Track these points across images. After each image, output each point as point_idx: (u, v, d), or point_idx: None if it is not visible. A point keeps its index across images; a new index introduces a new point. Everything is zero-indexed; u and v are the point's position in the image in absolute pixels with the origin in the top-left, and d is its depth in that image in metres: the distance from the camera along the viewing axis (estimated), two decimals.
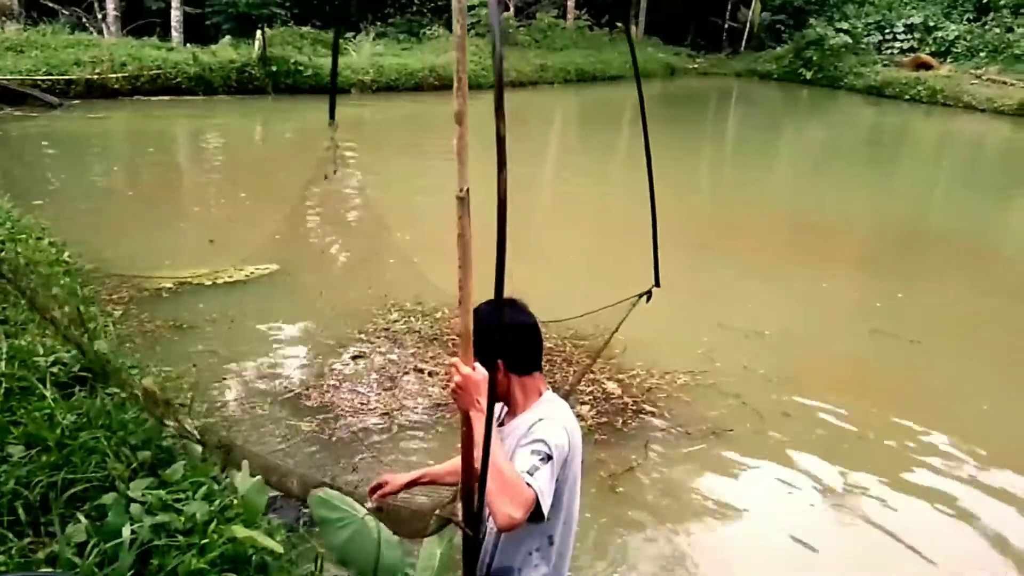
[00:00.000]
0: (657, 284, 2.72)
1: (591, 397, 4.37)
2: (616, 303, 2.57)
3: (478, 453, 1.76)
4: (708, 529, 3.63)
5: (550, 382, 4.48)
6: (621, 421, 4.24)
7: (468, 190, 1.66)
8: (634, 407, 4.38)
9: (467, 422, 1.81)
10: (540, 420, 1.90)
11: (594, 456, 3.94)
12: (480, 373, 1.77)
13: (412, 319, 5.32)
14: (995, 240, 9.54)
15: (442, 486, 2.41)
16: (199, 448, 2.89)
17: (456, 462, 2.54)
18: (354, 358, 4.87)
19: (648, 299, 2.66)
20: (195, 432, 3.02)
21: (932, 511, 3.84)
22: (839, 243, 8.91)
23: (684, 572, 3.32)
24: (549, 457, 1.81)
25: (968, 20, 26.25)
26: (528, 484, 1.75)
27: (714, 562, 3.41)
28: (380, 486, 2.27)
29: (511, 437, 1.95)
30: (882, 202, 11.14)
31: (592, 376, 4.59)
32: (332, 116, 2.77)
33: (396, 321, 5.34)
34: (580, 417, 4.17)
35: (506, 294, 1.53)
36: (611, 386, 4.52)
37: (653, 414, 4.36)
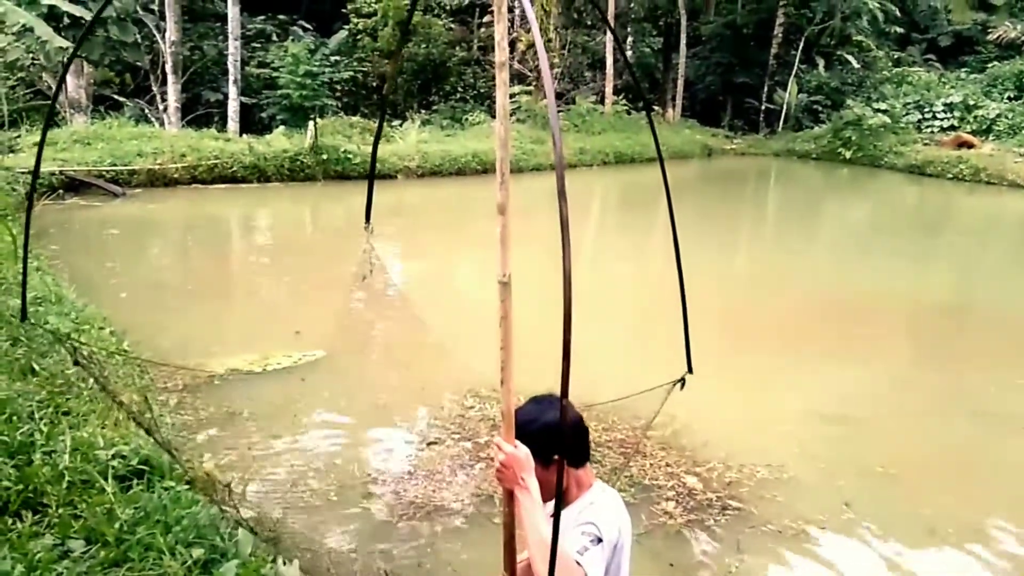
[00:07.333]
0: (690, 371, 2.58)
1: (674, 493, 4.08)
2: (646, 390, 2.46)
3: (524, 531, 1.77)
4: None
5: (627, 475, 4.25)
6: (712, 520, 3.94)
7: (510, 275, 1.77)
8: (719, 503, 4.07)
9: (510, 502, 1.85)
10: (591, 504, 1.97)
11: (691, 559, 3.67)
12: (523, 451, 1.81)
13: (487, 406, 5.12)
14: None
15: None
16: (251, 538, 2.80)
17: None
18: (429, 444, 4.69)
19: (682, 386, 2.50)
20: (248, 521, 2.93)
21: None
22: (902, 325, 8.54)
23: None
24: (599, 539, 1.85)
25: (1009, 98, 26.18)
26: (578, 563, 1.75)
27: None
28: None
29: (565, 524, 1.91)
30: (940, 282, 10.75)
31: (670, 470, 4.30)
32: (368, 219, 2.73)
33: (471, 408, 5.16)
34: (668, 515, 3.89)
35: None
36: (691, 480, 4.22)
37: (740, 511, 4.03)
